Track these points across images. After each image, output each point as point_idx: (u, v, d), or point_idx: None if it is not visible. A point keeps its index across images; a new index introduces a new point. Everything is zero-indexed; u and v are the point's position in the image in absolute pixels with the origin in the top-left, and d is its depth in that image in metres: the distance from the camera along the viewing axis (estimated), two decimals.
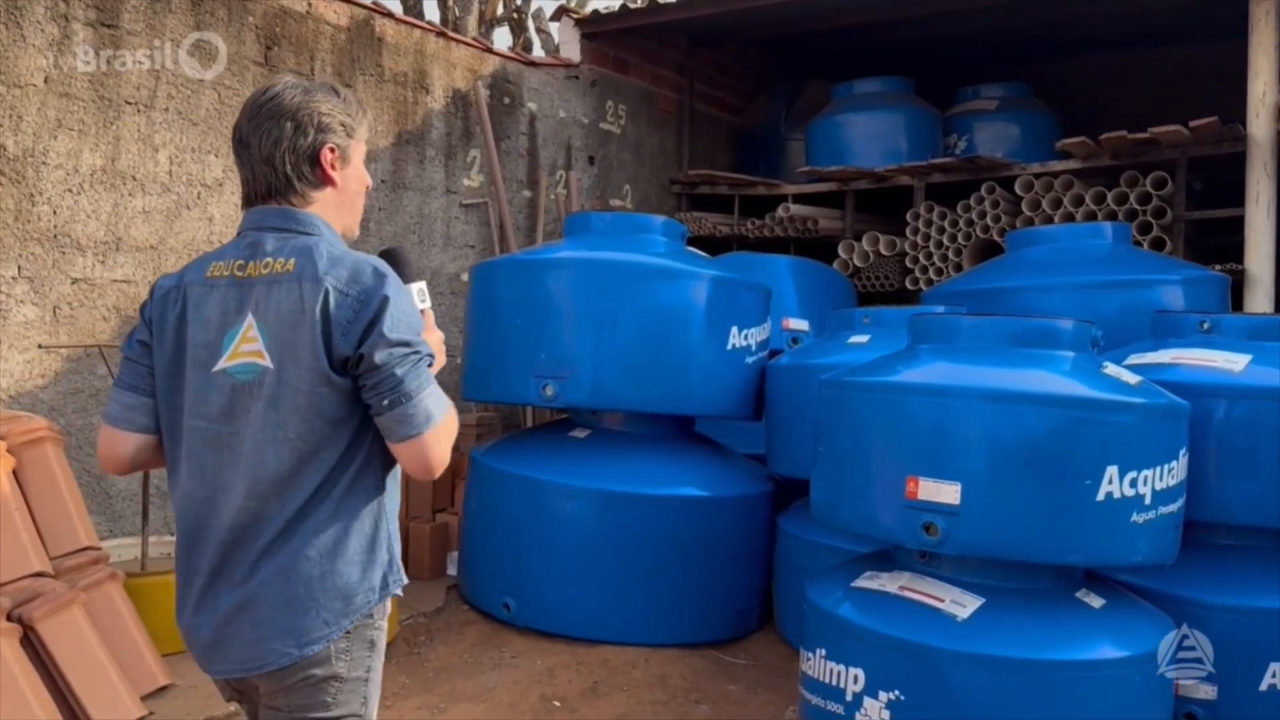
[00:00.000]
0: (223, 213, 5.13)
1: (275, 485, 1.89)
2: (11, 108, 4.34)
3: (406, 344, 1.87)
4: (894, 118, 7.79)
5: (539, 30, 9.57)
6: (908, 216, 7.26)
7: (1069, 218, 6.60)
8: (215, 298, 1.96)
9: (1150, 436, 3.36)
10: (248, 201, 2.03)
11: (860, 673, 3.39)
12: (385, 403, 1.86)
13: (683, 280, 4.90)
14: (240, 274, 1.95)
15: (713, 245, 7.36)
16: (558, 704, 4.14)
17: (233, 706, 3.19)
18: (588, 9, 8.09)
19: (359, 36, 5.81)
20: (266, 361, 1.89)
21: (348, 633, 1.94)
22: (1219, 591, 3.75)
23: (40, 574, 3.66)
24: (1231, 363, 3.91)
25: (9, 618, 3.38)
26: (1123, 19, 7.90)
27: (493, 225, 6.64)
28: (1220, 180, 6.71)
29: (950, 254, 7.01)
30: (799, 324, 6.12)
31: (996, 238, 6.77)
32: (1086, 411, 3.30)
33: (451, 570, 5.48)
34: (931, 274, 7.05)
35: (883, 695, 3.33)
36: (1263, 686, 3.64)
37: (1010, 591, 3.44)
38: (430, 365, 1.93)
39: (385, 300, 1.87)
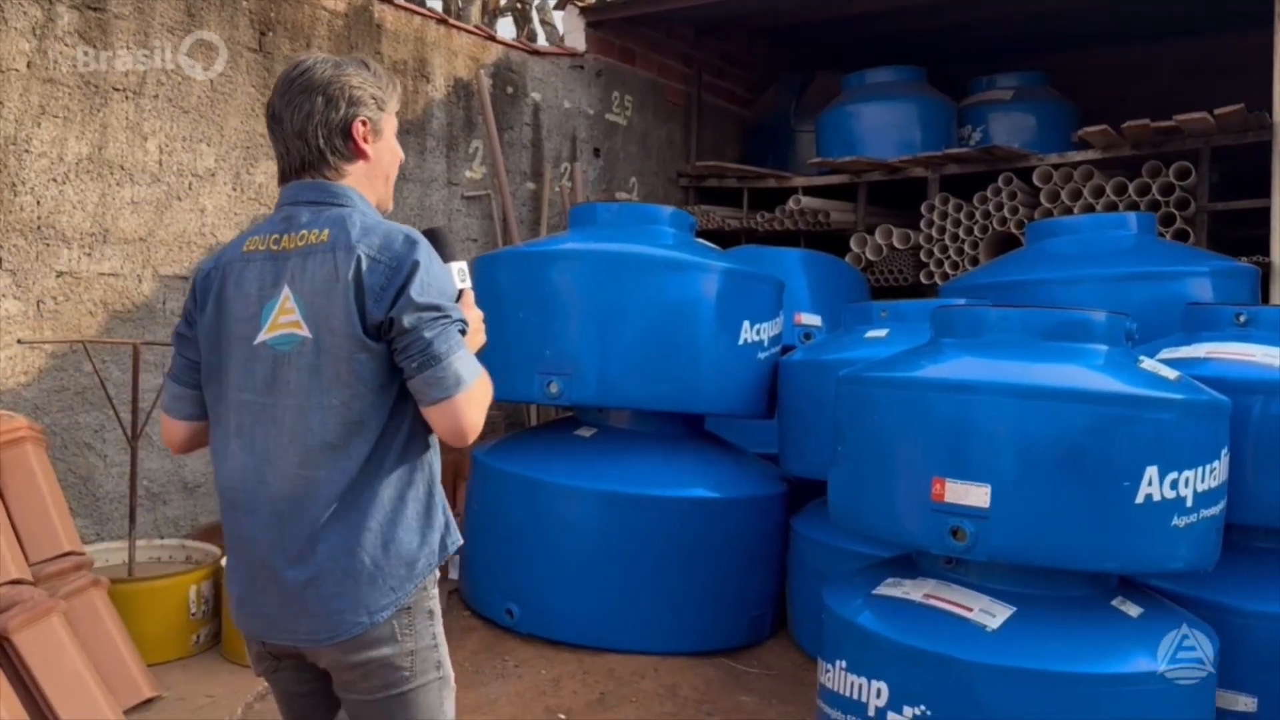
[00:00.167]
0: (215, 204, 4.94)
1: (325, 454, 1.92)
2: None
3: (436, 308, 1.90)
4: (907, 107, 7.60)
5: (544, 22, 9.37)
6: (922, 209, 7.06)
7: (1088, 209, 6.41)
8: (252, 272, 1.99)
9: (1191, 435, 3.16)
10: (283, 176, 2.06)
11: (884, 686, 3.20)
12: (415, 365, 1.88)
13: (692, 273, 4.71)
14: (275, 248, 1.98)
15: (721, 239, 7.18)
16: (563, 716, 3.96)
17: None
18: None
19: (357, 23, 5.62)
20: (305, 331, 1.92)
21: (408, 609, 1.98)
22: (1259, 598, 3.56)
23: (18, 581, 3.50)
24: (1271, 357, 3.73)
25: None
26: (1136, 10, 7.71)
27: (495, 218, 6.45)
28: (1238, 171, 6.54)
29: (966, 247, 6.82)
30: (811, 319, 5.93)
31: (1014, 230, 6.59)
32: (1125, 409, 3.10)
33: (452, 574, 5.28)
34: (947, 268, 6.86)
35: (907, 710, 3.13)
36: None
37: (1042, 599, 3.25)
38: (464, 332, 1.95)
39: (415, 265, 1.89)
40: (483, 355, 2.11)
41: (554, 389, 4.57)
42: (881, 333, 4.57)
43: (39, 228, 4.31)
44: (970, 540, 3.12)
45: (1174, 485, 3.11)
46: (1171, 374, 3.33)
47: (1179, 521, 3.13)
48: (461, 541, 2.10)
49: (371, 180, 2.08)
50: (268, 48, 5.14)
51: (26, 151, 4.25)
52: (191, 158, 4.84)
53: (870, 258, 7.19)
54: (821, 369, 4.49)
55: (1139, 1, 7.48)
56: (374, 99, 2.04)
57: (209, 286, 2.06)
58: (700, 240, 5.21)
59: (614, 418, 4.99)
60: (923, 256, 6.99)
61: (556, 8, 7.67)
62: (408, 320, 1.87)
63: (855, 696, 3.26)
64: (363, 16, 5.65)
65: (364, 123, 2.02)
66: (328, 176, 2.02)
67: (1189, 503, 3.14)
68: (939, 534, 3.17)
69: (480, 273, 4.99)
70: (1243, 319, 3.94)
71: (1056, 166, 6.68)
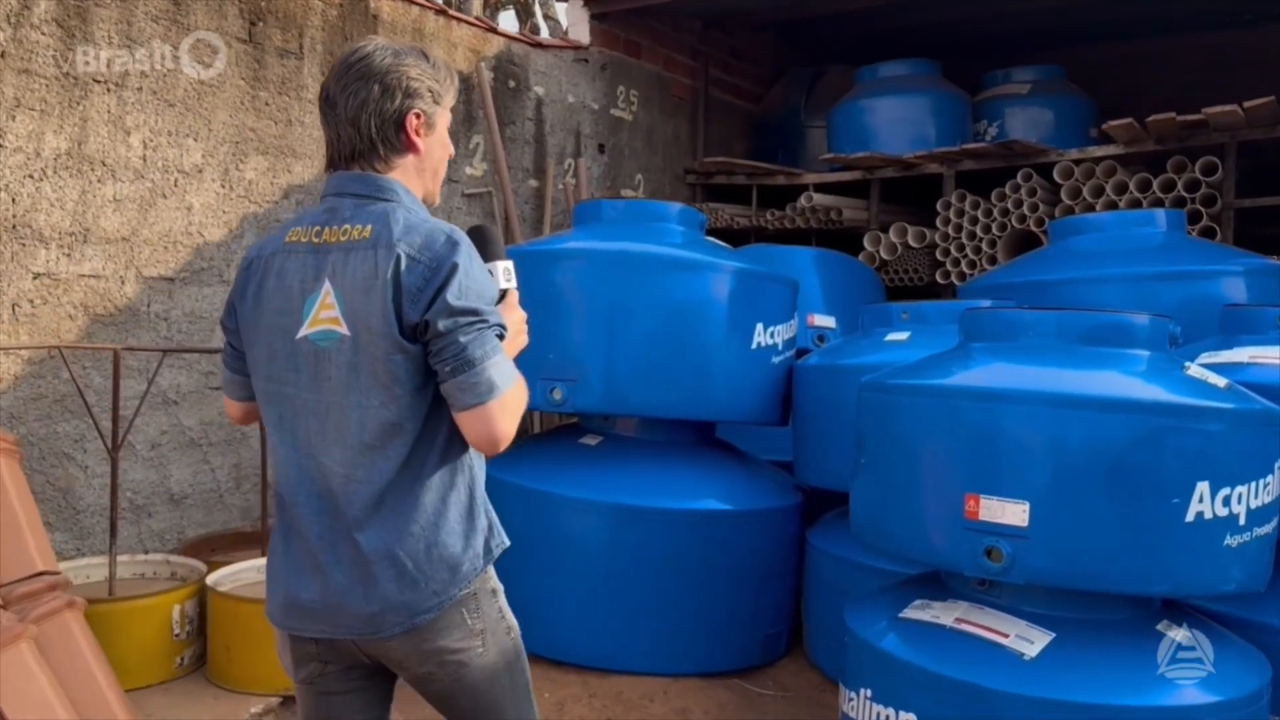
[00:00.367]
0: (202, 201, 4.72)
1: (363, 453, 1.92)
2: None
3: (473, 312, 1.87)
4: (921, 102, 7.36)
5: (547, 17, 9.16)
6: (938, 206, 6.82)
7: (1111, 206, 6.18)
8: (294, 264, 1.98)
9: (1244, 448, 2.94)
10: (331, 163, 2.04)
11: (913, 718, 2.98)
12: (448, 369, 1.86)
13: (703, 272, 4.49)
14: (317, 240, 1.97)
15: (730, 237, 6.96)
16: None
17: None
18: None
19: (352, 13, 5.39)
20: (343, 329, 1.91)
21: (474, 594, 2.01)
22: None
23: None
24: None
25: None
26: (1151, 3, 7.51)
27: (497, 216, 6.22)
28: (1260, 166, 6.32)
29: (984, 246, 6.59)
30: (825, 320, 5.71)
31: (1034, 228, 6.36)
32: (1173, 419, 2.87)
33: None
34: (964, 267, 6.64)
35: None
36: None
37: (1083, 624, 3.03)
38: (501, 337, 1.93)
39: (454, 267, 1.87)
40: None
41: (558, 395, 4.36)
42: (902, 336, 4.36)
43: (14, 227, 4.08)
44: (1007, 561, 2.90)
45: (1226, 502, 2.90)
46: (1220, 381, 3.11)
47: (1231, 541, 2.91)
48: (508, 544, 2.09)
49: (420, 174, 2.06)
50: (258, 38, 4.92)
51: (1, 146, 4.03)
52: (178, 153, 4.61)
53: (884, 257, 6.96)
54: (840, 374, 4.28)
55: None
56: (430, 91, 2.02)
57: (250, 276, 2.05)
58: (710, 238, 4.99)
59: (620, 425, 4.77)
60: (939, 255, 6.76)
61: None
62: (443, 324, 1.85)
63: None
64: (358, 6, 5.42)
65: (418, 115, 2.00)
66: (376, 168, 2.00)
67: (1241, 520, 2.93)
68: (972, 554, 2.96)
69: None
70: None
71: (1078, 162, 6.45)
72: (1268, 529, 3.01)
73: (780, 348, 4.66)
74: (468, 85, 6.11)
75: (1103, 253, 4.96)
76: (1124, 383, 2.99)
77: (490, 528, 2.06)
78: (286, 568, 2.03)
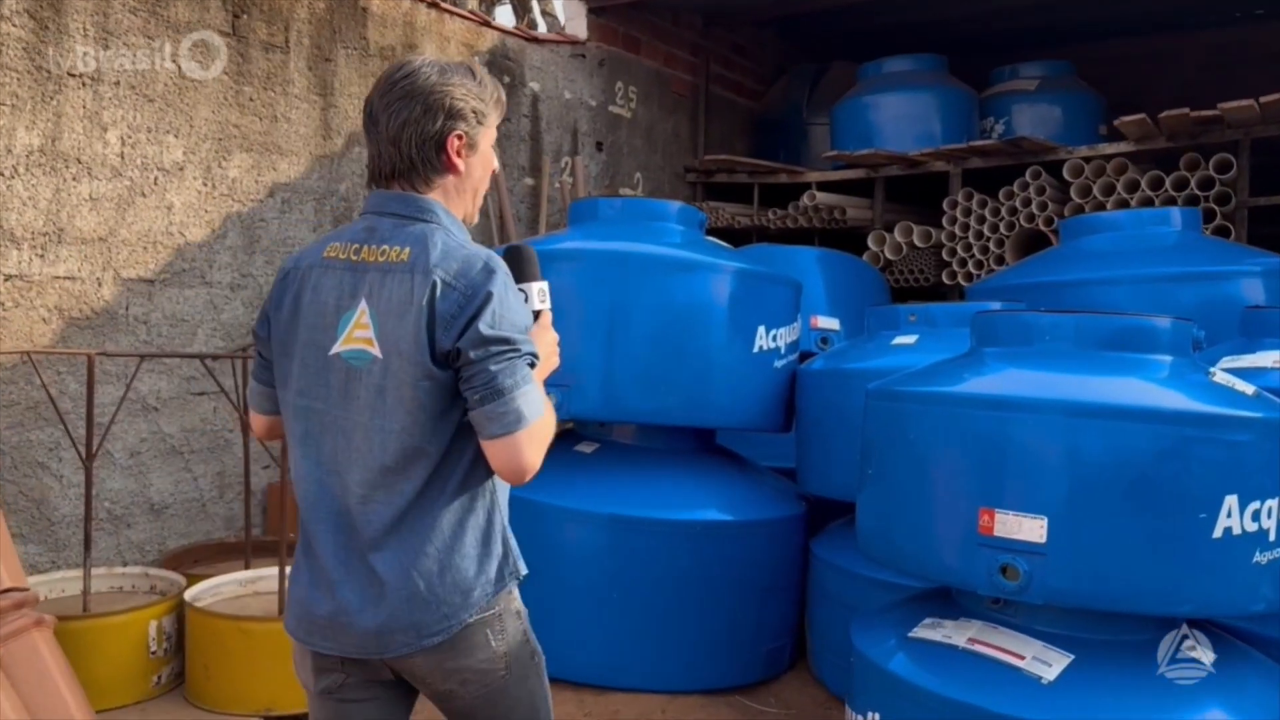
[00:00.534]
0: (184, 200, 4.55)
1: (384, 475, 1.92)
2: None
3: (505, 341, 1.86)
4: (927, 98, 7.21)
5: (545, 13, 8.98)
6: (944, 205, 6.67)
7: (1122, 205, 6.02)
8: (330, 280, 1.97)
9: (1274, 459, 2.77)
10: (372, 179, 2.04)
11: None
12: (477, 398, 1.86)
13: (703, 273, 4.32)
14: (355, 258, 1.96)
15: (731, 237, 6.84)
16: None
17: None
18: None
19: (340, 5, 5.23)
20: (376, 350, 1.91)
21: (499, 615, 2.00)
22: None
23: None
24: None
25: None
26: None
27: (491, 215, 6.06)
28: (1271, 164, 6.14)
29: (991, 245, 6.44)
30: (829, 323, 5.55)
31: (1042, 227, 6.20)
32: (1199, 429, 2.71)
33: None
34: (971, 267, 6.48)
35: None
36: None
37: (1104, 645, 2.86)
38: (533, 366, 1.92)
39: (489, 296, 1.86)
40: None
41: (553, 401, 4.18)
42: (910, 339, 4.19)
43: None
44: (1023, 580, 2.75)
45: (1255, 516, 2.75)
46: (1247, 388, 2.95)
47: (1261, 558, 2.76)
48: (525, 572, 2.07)
49: (460, 194, 2.04)
50: (242, 32, 4.75)
51: None
52: (157, 150, 4.45)
53: (889, 257, 6.81)
54: (845, 379, 4.12)
55: None
56: (474, 112, 2.00)
57: (287, 288, 2.04)
58: (711, 238, 4.82)
59: (618, 432, 4.61)
60: (945, 255, 6.61)
61: None
62: (474, 352, 1.85)
63: None
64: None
65: (459, 137, 1.98)
66: (416, 187, 1.99)
67: (1272, 536, 2.78)
68: (987, 572, 2.81)
69: None
70: None
71: (1088, 159, 6.30)
72: None
73: (783, 351, 4.50)
74: None
75: (1116, 253, 4.80)
76: (1147, 390, 2.84)
77: (506, 555, 2.04)
78: (304, 582, 2.04)
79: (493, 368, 1.85)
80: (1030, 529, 2.74)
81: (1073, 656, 2.80)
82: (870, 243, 6.92)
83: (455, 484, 1.95)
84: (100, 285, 4.28)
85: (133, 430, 4.43)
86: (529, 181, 6.46)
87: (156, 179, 4.45)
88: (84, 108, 4.20)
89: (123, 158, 4.33)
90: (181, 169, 4.54)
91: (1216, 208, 5.80)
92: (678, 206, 4.72)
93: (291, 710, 3.68)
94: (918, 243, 6.71)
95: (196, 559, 4.56)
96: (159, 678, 3.88)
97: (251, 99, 4.79)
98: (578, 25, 6.94)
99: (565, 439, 4.74)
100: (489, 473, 1.98)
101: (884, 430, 3.18)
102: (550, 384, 4.04)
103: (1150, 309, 3.55)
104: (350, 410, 1.94)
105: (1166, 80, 8.00)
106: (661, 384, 4.23)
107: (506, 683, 2.03)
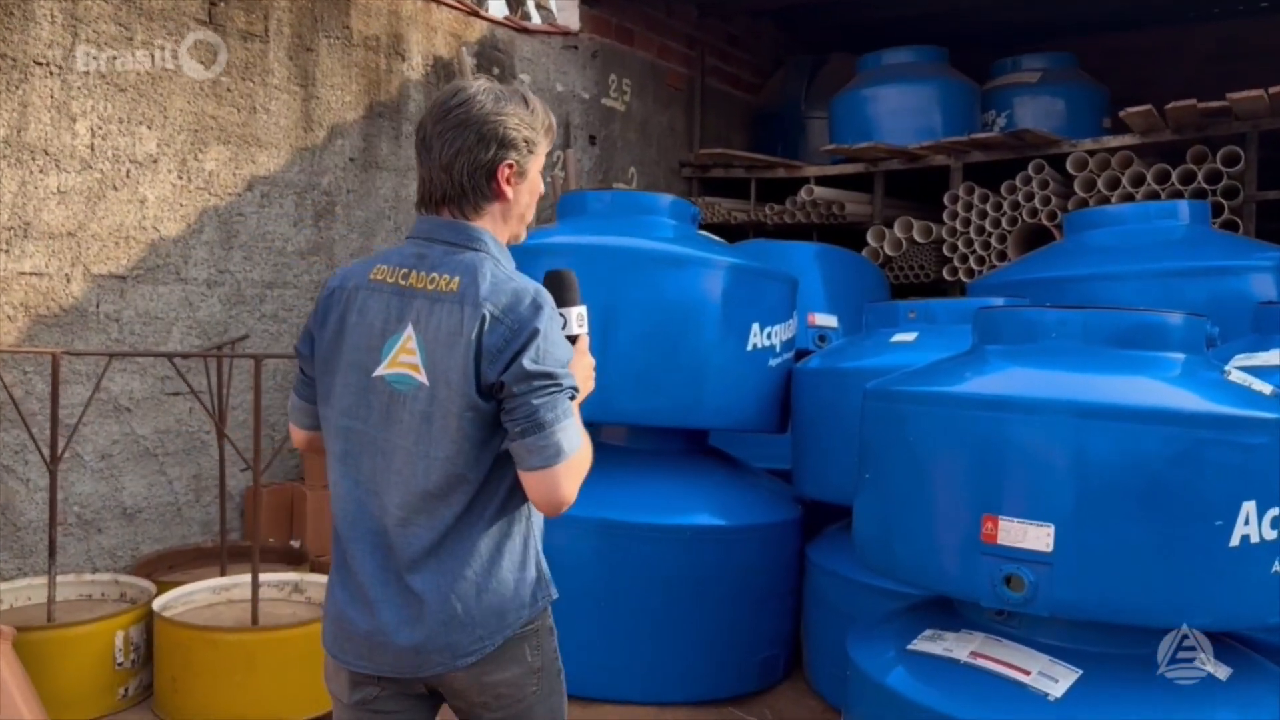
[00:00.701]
0: (157, 194, 4.40)
1: (426, 500, 1.94)
2: None
3: (548, 376, 1.89)
4: (927, 90, 7.07)
5: (539, 6, 8.80)
6: (944, 200, 6.54)
7: (1127, 199, 5.88)
8: (377, 303, 1.99)
9: None
10: (422, 203, 2.05)
11: None
12: (519, 430, 1.88)
13: (694, 269, 4.18)
14: (404, 283, 1.98)
15: (728, 233, 6.71)
16: None
17: None
18: None
19: None
20: (423, 378, 1.93)
21: (536, 631, 2.03)
22: None
23: None
24: None
25: None
26: None
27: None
28: (1269, 158, 6.00)
29: (993, 241, 6.31)
30: (827, 320, 5.40)
31: (1045, 222, 6.07)
32: (1215, 431, 2.57)
33: None
34: (972, 263, 6.35)
35: None
36: None
37: (1114, 659, 2.71)
38: (573, 398, 1.95)
39: (535, 333, 1.88)
40: None
41: None
42: (909, 336, 4.05)
43: None
44: (1029, 591, 2.60)
45: (1275, 524, 2.60)
46: (1265, 387, 2.80)
47: None
48: (555, 596, 2.09)
49: (506, 219, 2.07)
50: (218, 19, 4.60)
51: None
52: (129, 142, 4.30)
53: (889, 252, 6.67)
54: (842, 378, 3.98)
55: None
56: (526, 142, 2.02)
57: (332, 306, 2.06)
58: (704, 233, 4.67)
59: (606, 434, 4.47)
60: (946, 251, 6.49)
61: None
62: (518, 386, 1.87)
63: None
64: None
65: (510, 166, 2.00)
66: (465, 214, 2.01)
67: None
68: (990, 582, 2.67)
69: None
70: None
71: (1092, 153, 6.15)
72: None
73: (778, 349, 4.36)
74: (448, 72, 5.80)
75: (1122, 247, 4.66)
76: (1159, 390, 2.69)
77: (539, 579, 2.06)
78: (340, 600, 2.05)
79: (535, 401, 1.87)
80: (1036, 537, 2.60)
81: (1081, 672, 2.66)
82: (870, 238, 6.80)
83: (494, 510, 1.98)
84: (69, 281, 4.13)
85: (104, 432, 4.28)
86: None
87: (129, 171, 4.30)
88: (51, 97, 4.05)
89: (93, 149, 4.18)
90: (155, 161, 4.39)
91: (1224, 202, 5.67)
92: (669, 200, 4.57)
93: None
94: (918, 238, 6.58)
95: (171, 565, 4.42)
96: (126, 690, 3.72)
97: (229, 89, 4.64)
98: (569, 16, 6.80)
99: None
100: (526, 498, 2.00)
101: (881, 432, 3.04)
102: None
103: (1158, 305, 3.40)
104: (391, 433, 1.96)
105: (1170, 74, 7.88)
106: (652, 383, 4.09)
107: (537, 698, 2.06)
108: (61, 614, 3.73)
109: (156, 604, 3.74)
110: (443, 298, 1.94)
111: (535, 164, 2.08)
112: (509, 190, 2.02)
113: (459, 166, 1.97)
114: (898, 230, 6.67)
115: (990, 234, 6.32)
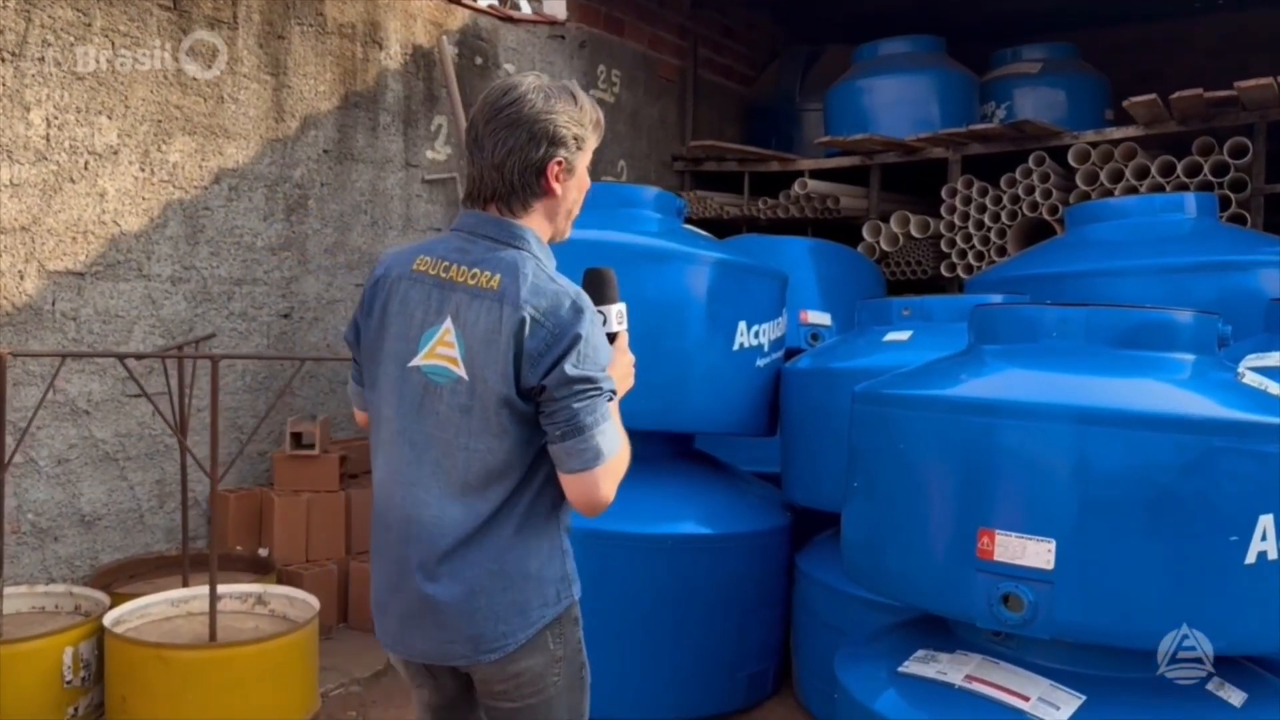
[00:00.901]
0: (118, 187, 4.22)
1: (461, 492, 1.97)
2: None
3: (589, 380, 1.91)
4: (925, 81, 6.90)
5: None
6: (942, 193, 6.41)
7: (1130, 191, 5.72)
8: (418, 294, 2.03)
9: None
10: (469, 199, 2.09)
11: None
12: (559, 433, 1.92)
13: (678, 264, 4.00)
14: (445, 275, 2.02)
15: (720, 228, 6.56)
16: None
17: None
18: None
19: None
20: (461, 372, 1.96)
21: (559, 620, 2.05)
22: None
23: None
24: None
25: None
26: None
27: (460, 204, 5.72)
28: (1278, 149, 5.86)
29: (992, 235, 6.16)
30: (820, 317, 5.24)
31: (1046, 216, 5.90)
32: (1229, 439, 2.40)
33: None
34: (971, 258, 6.19)
35: None
36: None
37: (1119, 684, 2.54)
38: (612, 400, 1.97)
39: (577, 338, 1.91)
40: None
41: None
42: (904, 335, 3.88)
43: None
44: (1028, 611, 2.44)
45: None
46: None
47: None
48: (578, 597, 2.12)
49: (552, 216, 2.10)
50: (184, 6, 4.40)
51: None
52: (88, 132, 4.11)
53: (885, 248, 6.50)
54: (833, 379, 3.81)
55: None
56: (575, 139, 2.04)
57: (376, 295, 2.10)
58: (690, 227, 4.49)
59: None
60: (944, 246, 6.34)
61: None
62: (559, 391, 1.90)
63: None
64: None
65: (559, 163, 2.02)
66: (513, 210, 2.04)
67: None
68: (986, 601, 2.51)
69: None
70: None
71: (1094, 144, 5.99)
72: None
73: (766, 349, 4.18)
74: (429, 61, 5.61)
75: (1126, 242, 4.49)
76: (1168, 394, 2.53)
77: (564, 578, 2.08)
78: (378, 585, 2.11)
79: (575, 405, 1.90)
80: (1036, 553, 2.44)
81: (1084, 697, 2.50)
82: (865, 233, 6.65)
83: (526, 506, 1.99)
84: (22, 278, 3.95)
85: (60, 435, 4.09)
86: None
87: (87, 164, 4.12)
88: (3, 86, 3.86)
89: (48, 140, 4.00)
90: (115, 153, 4.20)
91: (1231, 194, 5.52)
92: (654, 192, 4.39)
93: None
94: (915, 233, 6.42)
95: (132, 575, 4.24)
96: (75, 710, 3.54)
97: (194, 78, 4.45)
98: (556, 5, 6.62)
99: None
100: (560, 496, 2.03)
101: (871, 438, 2.87)
102: None
103: (1163, 302, 3.23)
104: (424, 424, 2.00)
105: (1175, 66, 7.71)
106: (633, 385, 3.89)
107: (558, 689, 2.07)
108: (11, 628, 3.54)
109: (108, 619, 3.55)
110: (482, 294, 1.96)
111: (583, 160, 2.10)
112: (558, 187, 2.04)
113: (510, 165, 2.00)
114: (894, 225, 6.52)
115: (989, 228, 6.17)
